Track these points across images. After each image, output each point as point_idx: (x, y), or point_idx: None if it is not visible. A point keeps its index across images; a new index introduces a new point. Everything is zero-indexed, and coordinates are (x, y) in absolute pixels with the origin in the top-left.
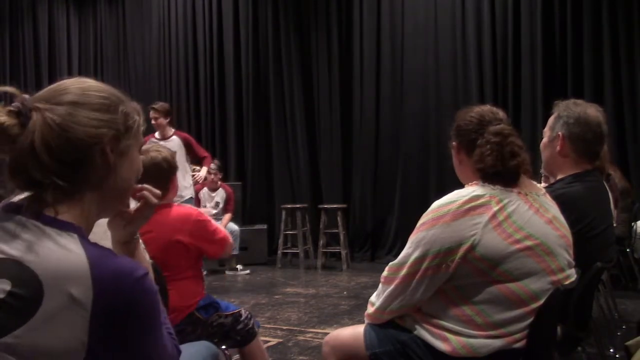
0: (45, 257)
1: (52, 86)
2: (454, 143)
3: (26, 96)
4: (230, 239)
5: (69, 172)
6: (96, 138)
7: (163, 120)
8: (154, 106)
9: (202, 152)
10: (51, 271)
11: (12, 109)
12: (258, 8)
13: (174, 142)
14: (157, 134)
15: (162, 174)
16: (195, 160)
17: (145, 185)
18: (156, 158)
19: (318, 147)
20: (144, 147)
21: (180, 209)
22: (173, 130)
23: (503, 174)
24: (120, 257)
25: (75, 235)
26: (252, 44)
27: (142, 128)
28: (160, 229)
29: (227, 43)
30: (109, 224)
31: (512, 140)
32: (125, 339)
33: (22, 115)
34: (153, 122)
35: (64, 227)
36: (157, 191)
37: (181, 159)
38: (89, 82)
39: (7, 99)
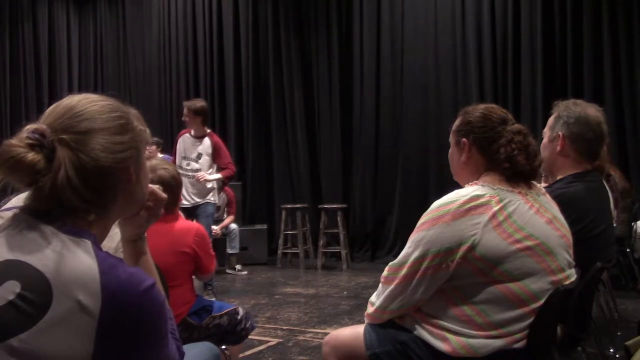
0: (57, 263)
1: (63, 110)
2: (463, 140)
3: (44, 126)
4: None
5: (102, 197)
6: (124, 162)
7: (193, 119)
8: (185, 103)
9: (225, 162)
10: (62, 277)
11: (32, 142)
12: (258, 8)
13: (205, 145)
14: (192, 132)
15: (171, 191)
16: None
17: (151, 186)
18: (164, 176)
19: (318, 147)
20: (152, 164)
21: (184, 222)
22: (208, 130)
23: (528, 173)
24: (129, 267)
25: (89, 243)
26: (252, 44)
27: (148, 136)
28: (165, 238)
29: (227, 43)
30: (120, 224)
31: (530, 140)
32: (131, 348)
33: (45, 149)
34: (184, 118)
35: (79, 233)
36: (163, 195)
37: (207, 163)
38: (97, 101)
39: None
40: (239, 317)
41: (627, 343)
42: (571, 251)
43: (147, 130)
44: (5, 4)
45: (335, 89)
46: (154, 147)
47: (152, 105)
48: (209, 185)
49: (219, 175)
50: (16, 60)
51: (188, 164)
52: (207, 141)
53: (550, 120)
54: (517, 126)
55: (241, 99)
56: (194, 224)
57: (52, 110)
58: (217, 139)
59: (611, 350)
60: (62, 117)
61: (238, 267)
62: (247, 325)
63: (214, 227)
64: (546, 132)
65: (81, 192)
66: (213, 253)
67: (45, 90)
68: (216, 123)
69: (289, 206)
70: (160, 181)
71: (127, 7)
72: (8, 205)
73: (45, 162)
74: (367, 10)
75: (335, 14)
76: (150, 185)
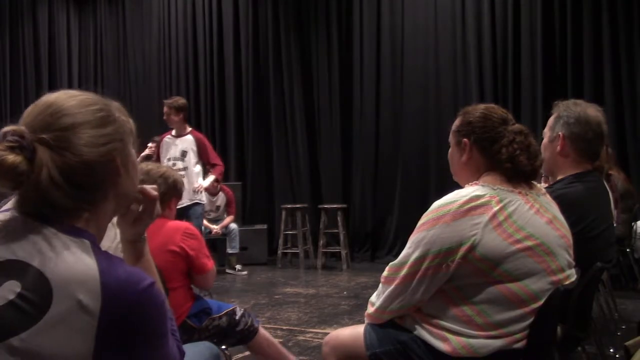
0: (57, 263)
1: (41, 108)
2: (464, 140)
3: (22, 127)
4: (214, 271)
5: (90, 194)
6: (108, 155)
7: (175, 117)
8: (165, 101)
9: (214, 158)
10: (62, 277)
11: (12, 144)
12: (258, 8)
13: (188, 141)
14: (173, 132)
15: (168, 189)
16: (205, 165)
17: (142, 186)
18: (167, 173)
19: (318, 147)
20: (159, 165)
21: (173, 222)
22: (189, 128)
23: (530, 173)
24: (129, 266)
25: (88, 242)
26: (252, 44)
27: (133, 127)
28: (154, 239)
29: (227, 43)
30: (119, 224)
31: (531, 139)
32: (132, 347)
33: (25, 150)
34: (165, 117)
35: (78, 233)
36: (154, 192)
37: (193, 159)
38: (75, 95)
39: None
40: (237, 317)
41: (627, 343)
42: (571, 251)
43: (131, 121)
44: (5, 4)
45: (335, 89)
46: (154, 145)
47: (152, 105)
48: (196, 185)
49: (212, 177)
50: (16, 60)
51: (174, 165)
52: (189, 138)
53: (550, 120)
54: (518, 126)
55: (241, 99)
56: (183, 223)
57: (31, 109)
58: (200, 135)
59: (611, 350)
60: (40, 115)
61: (238, 267)
62: (249, 322)
63: (214, 227)
64: (546, 133)
65: (67, 190)
66: (208, 253)
67: (46, 90)
68: (216, 123)
69: (289, 206)
70: (163, 176)
71: (127, 7)
72: (9, 205)
73: (27, 164)
74: (367, 10)
75: (335, 14)
76: (142, 187)
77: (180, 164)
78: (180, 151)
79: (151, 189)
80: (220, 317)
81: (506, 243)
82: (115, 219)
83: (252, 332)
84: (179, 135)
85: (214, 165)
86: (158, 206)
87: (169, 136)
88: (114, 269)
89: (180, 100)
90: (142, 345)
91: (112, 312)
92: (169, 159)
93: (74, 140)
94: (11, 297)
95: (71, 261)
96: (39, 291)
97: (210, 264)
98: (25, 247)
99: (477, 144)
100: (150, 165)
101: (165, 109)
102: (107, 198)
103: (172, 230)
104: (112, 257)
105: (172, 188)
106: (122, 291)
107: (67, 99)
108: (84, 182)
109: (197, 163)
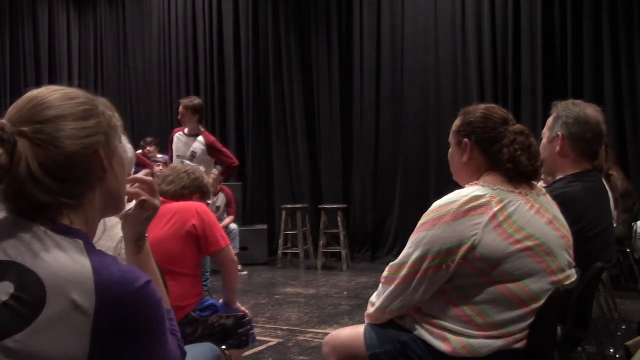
0: (50, 263)
1: (24, 102)
2: (465, 140)
3: (4, 121)
4: (232, 252)
5: (73, 188)
6: (91, 148)
7: (191, 117)
8: (182, 100)
9: (228, 155)
10: (55, 277)
11: None
12: (258, 8)
13: (199, 142)
14: (185, 130)
15: (191, 184)
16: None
17: (134, 176)
18: (192, 169)
19: (318, 147)
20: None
21: (187, 202)
22: (202, 129)
23: (531, 173)
24: (124, 265)
25: (81, 242)
26: (252, 44)
27: (119, 122)
28: (168, 221)
29: (227, 43)
30: (123, 226)
31: (532, 140)
32: (128, 347)
33: (5, 143)
34: (179, 117)
35: (70, 233)
36: (149, 178)
37: (202, 161)
38: (58, 90)
39: None
40: (244, 321)
41: (627, 343)
42: (571, 251)
43: (117, 116)
44: (5, 4)
45: (335, 89)
46: (153, 147)
47: (152, 105)
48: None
49: (216, 172)
50: (16, 60)
51: (182, 162)
52: (200, 139)
53: (549, 120)
54: (518, 126)
55: (241, 99)
56: (196, 202)
57: (15, 104)
58: (211, 137)
59: (611, 350)
60: (22, 109)
61: (238, 267)
62: (250, 331)
63: None
64: (545, 133)
65: (47, 185)
66: (222, 233)
67: None
68: (216, 123)
69: (289, 206)
70: (174, 172)
71: (127, 7)
72: None
73: (7, 157)
74: (367, 10)
75: (335, 14)
76: (135, 178)
77: (188, 164)
78: (191, 152)
79: (143, 175)
80: (227, 317)
81: (506, 243)
82: (119, 221)
83: (246, 342)
84: (190, 134)
85: (227, 167)
86: (159, 198)
87: (180, 133)
88: (108, 267)
89: (196, 100)
90: (139, 344)
91: (107, 312)
92: (178, 156)
93: (55, 132)
94: (4, 298)
95: (64, 261)
96: (32, 292)
97: (224, 241)
98: (18, 247)
99: (477, 144)
100: (177, 165)
101: (180, 109)
102: (93, 192)
103: (186, 209)
104: (107, 255)
105: (194, 183)
106: (117, 290)
107: (49, 93)
108: (67, 175)
109: (208, 165)
